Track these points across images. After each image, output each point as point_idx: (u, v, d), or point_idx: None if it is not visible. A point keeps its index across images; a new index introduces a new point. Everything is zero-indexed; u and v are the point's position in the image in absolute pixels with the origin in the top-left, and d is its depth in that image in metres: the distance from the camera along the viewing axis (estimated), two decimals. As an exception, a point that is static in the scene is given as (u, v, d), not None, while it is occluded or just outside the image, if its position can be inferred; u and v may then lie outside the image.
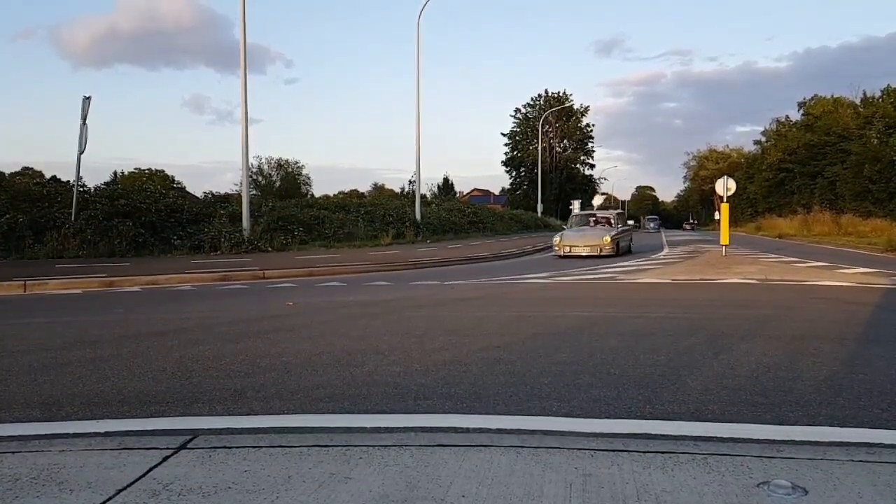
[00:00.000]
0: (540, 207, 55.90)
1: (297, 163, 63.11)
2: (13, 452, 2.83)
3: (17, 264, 15.72)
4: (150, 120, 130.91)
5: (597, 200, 45.95)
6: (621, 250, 19.76)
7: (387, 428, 3.18)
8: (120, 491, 2.38)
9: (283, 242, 21.79)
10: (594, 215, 22.51)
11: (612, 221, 21.23)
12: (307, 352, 5.26)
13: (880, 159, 36.40)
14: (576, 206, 67.39)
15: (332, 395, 3.91)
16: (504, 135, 78.92)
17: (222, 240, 20.29)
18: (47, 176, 28.65)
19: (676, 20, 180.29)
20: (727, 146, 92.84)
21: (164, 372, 4.61)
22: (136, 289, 11.54)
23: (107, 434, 3.14)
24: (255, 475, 2.51)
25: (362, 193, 65.45)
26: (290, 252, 20.62)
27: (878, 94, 48.90)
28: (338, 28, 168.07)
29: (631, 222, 30.03)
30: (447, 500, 2.25)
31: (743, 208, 59.71)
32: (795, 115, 60.82)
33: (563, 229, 22.87)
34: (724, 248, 17.90)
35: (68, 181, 21.95)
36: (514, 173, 78.77)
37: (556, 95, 76.54)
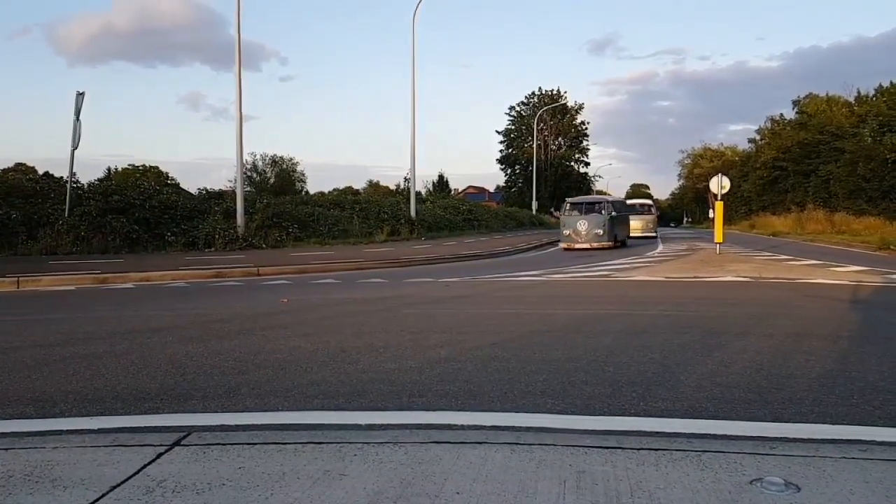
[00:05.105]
0: (535, 205, 55.97)
1: (291, 159, 62.94)
2: (6, 449, 2.82)
3: (10, 260, 15.65)
4: (145, 116, 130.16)
5: None
6: None
7: (381, 425, 3.18)
8: (114, 488, 2.37)
9: (278, 239, 21.77)
10: None
11: None
12: (302, 349, 5.26)
13: (874, 158, 36.54)
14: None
15: (326, 392, 3.91)
16: (499, 133, 78.96)
17: (216, 236, 20.26)
18: (40, 172, 28.50)
19: (668, 20, 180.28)
20: (721, 144, 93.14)
21: (159, 369, 4.60)
22: (129, 285, 11.51)
23: (100, 431, 3.13)
24: (249, 472, 2.51)
25: (357, 190, 65.39)
26: (284, 249, 20.60)
27: (871, 92, 49.13)
28: (333, 25, 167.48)
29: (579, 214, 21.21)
30: (442, 497, 2.25)
31: (737, 206, 59.83)
32: (790, 114, 61.07)
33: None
34: (717, 245, 17.96)
35: (62, 177, 21.88)
36: (509, 171, 78.84)
37: (549, 93, 76.58)
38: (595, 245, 21.50)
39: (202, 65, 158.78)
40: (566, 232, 22.23)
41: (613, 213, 22.51)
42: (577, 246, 21.63)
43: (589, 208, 22.56)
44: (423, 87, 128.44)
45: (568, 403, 3.62)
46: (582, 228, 21.82)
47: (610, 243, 21.78)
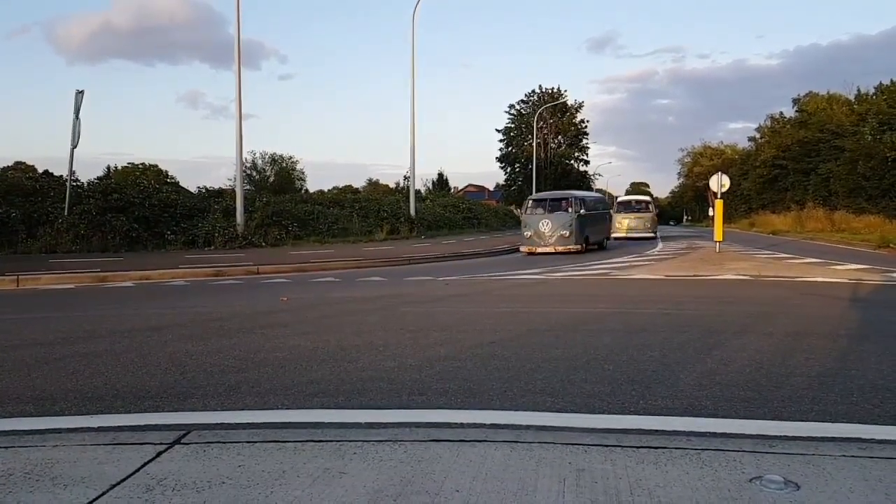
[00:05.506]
0: (535, 203, 55.90)
1: (291, 158, 62.78)
2: (6, 447, 2.82)
3: (10, 259, 15.65)
4: (145, 115, 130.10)
5: None
6: None
7: (381, 423, 3.18)
8: (114, 486, 2.38)
9: (277, 238, 21.78)
10: None
11: None
12: (301, 347, 5.26)
13: (874, 156, 36.51)
14: None
15: (326, 391, 3.91)
16: (499, 131, 78.92)
17: (216, 235, 20.27)
18: (40, 170, 28.55)
19: (667, 18, 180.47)
20: (721, 142, 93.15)
21: (158, 367, 4.60)
22: (129, 284, 11.51)
23: (100, 429, 3.13)
24: (249, 470, 2.51)
25: (357, 189, 65.29)
26: (284, 247, 20.60)
27: (871, 91, 49.09)
28: (333, 24, 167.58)
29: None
30: (441, 495, 2.26)
31: (737, 205, 59.81)
32: (790, 112, 61.01)
33: None
34: (717, 244, 17.96)
35: (61, 176, 21.90)
36: (508, 169, 78.79)
37: (549, 92, 76.54)
38: (560, 249, 18.17)
39: (201, 63, 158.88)
40: (527, 233, 18.92)
41: (583, 211, 19.00)
42: (540, 250, 18.35)
43: (554, 205, 19.19)
44: (422, 86, 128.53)
45: (567, 402, 3.62)
46: (545, 229, 18.42)
47: (578, 247, 18.45)
